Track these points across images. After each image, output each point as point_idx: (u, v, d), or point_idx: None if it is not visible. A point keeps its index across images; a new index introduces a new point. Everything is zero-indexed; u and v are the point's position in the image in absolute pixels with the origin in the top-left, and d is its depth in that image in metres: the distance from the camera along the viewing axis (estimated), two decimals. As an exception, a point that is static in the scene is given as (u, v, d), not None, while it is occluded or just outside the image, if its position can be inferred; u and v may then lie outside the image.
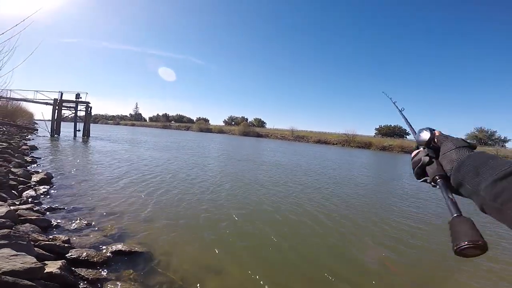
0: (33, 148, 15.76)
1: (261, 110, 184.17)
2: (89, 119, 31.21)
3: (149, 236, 4.80)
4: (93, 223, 5.08)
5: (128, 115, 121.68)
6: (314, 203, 8.06)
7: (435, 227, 6.87)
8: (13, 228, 3.80)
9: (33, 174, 8.45)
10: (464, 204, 0.69)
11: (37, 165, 10.82)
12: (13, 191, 6.13)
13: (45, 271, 2.76)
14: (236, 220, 6.11)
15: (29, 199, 5.83)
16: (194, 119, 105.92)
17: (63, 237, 4.10)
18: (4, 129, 21.83)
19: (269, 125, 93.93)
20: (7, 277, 2.36)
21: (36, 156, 12.70)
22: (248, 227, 5.80)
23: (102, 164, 12.48)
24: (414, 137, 0.91)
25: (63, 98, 27.72)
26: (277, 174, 13.13)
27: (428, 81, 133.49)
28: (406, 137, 71.10)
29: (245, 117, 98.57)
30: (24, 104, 32.50)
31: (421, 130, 0.86)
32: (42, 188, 6.96)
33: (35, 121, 43.42)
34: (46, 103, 27.39)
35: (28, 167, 9.77)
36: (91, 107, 30.36)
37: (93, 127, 36.25)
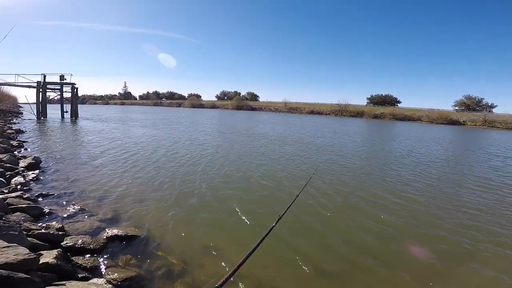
0: (19, 131, 15.26)
1: (254, 84, 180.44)
2: (76, 100, 30.34)
3: (144, 219, 4.78)
4: (86, 208, 5.01)
5: (117, 94, 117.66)
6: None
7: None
8: (3, 218, 3.71)
9: (20, 159, 8.20)
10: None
11: (24, 149, 10.51)
12: (1, 179, 5.93)
13: (40, 262, 2.71)
14: (231, 199, 6.11)
15: (18, 186, 5.68)
16: (186, 95, 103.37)
17: (56, 224, 4.02)
18: (-14, 113, 20.91)
19: (262, 98, 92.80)
20: (1, 271, 2.28)
21: (23, 140, 12.32)
22: (245, 205, 5.81)
23: (92, 145, 12.22)
24: None
25: (46, 80, 26.70)
26: (272, 148, 13.10)
27: (419, 49, 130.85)
28: (397, 105, 71.83)
29: (238, 92, 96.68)
30: (6, 88, 31.20)
31: None
32: (31, 174, 6.78)
33: (20, 105, 41.82)
34: (30, 86, 26.39)
35: (15, 152, 9.48)
36: (77, 88, 29.37)
37: (81, 107, 35.19)
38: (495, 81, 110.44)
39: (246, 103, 79.88)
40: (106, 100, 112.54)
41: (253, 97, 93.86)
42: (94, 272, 3.09)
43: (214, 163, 9.42)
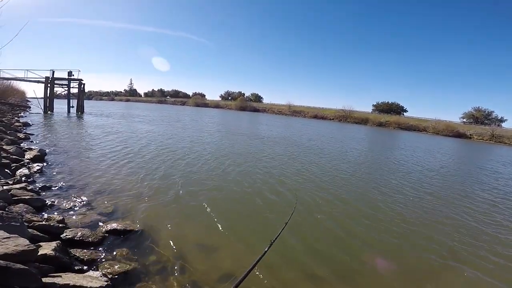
0: (26, 124, 15.51)
1: (258, 85, 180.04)
2: (83, 95, 30.79)
3: (143, 214, 4.86)
4: (87, 201, 5.11)
5: (123, 91, 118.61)
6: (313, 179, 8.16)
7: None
8: (6, 209, 3.79)
9: (26, 151, 8.35)
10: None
11: (30, 141, 10.69)
12: (6, 170, 6.06)
13: (39, 253, 2.77)
14: (231, 197, 6.20)
15: (23, 178, 5.79)
16: (190, 94, 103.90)
17: (57, 216, 4.11)
18: (-5, 106, 21.28)
19: (266, 100, 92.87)
20: (-1, 261, 2.35)
21: (30, 133, 12.52)
22: (244, 203, 5.89)
23: (96, 140, 12.38)
24: None
25: (55, 76, 27.25)
26: (273, 150, 13.14)
27: (429, 58, 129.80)
28: (403, 114, 71.25)
29: (242, 92, 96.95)
30: (15, 83, 31.96)
31: None
32: (36, 166, 6.91)
33: (28, 99, 42.52)
34: (38, 81, 26.96)
35: (21, 144, 9.65)
36: (84, 84, 29.82)
37: (87, 103, 35.61)
38: (506, 94, 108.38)
39: (250, 104, 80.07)
40: (111, 96, 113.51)
41: (257, 98, 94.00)
42: (91, 264, 3.15)
43: (214, 161, 9.49)
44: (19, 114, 21.67)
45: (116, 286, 2.84)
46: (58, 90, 29.64)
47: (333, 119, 61.85)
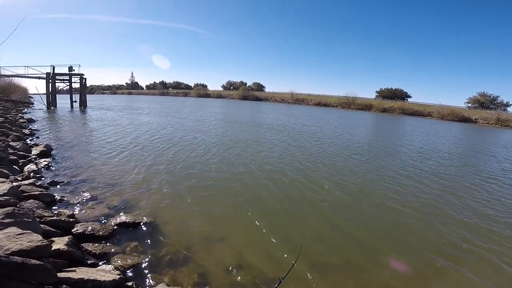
0: (31, 121, 15.60)
1: (261, 74, 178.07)
2: (85, 90, 30.87)
3: (152, 206, 4.93)
4: (95, 195, 5.19)
5: (125, 84, 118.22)
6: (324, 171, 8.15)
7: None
8: (17, 205, 3.86)
9: (32, 147, 8.44)
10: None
11: (36, 137, 10.79)
12: (14, 166, 6.15)
13: (52, 249, 2.83)
14: (238, 187, 6.24)
15: (31, 174, 5.87)
16: (192, 85, 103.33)
17: (67, 211, 4.19)
18: (-1, 103, 21.38)
19: (268, 89, 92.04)
20: (15, 257, 2.40)
21: (34, 128, 12.64)
22: (251, 193, 5.93)
23: (101, 133, 12.47)
24: None
25: (55, 71, 27.21)
26: (277, 138, 13.11)
27: (430, 43, 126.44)
28: (407, 99, 70.31)
29: (244, 82, 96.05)
30: (16, 80, 32.01)
31: None
32: (43, 161, 6.99)
33: (30, 95, 42.63)
34: (39, 78, 26.96)
35: (27, 140, 9.75)
36: (85, 79, 29.80)
37: (89, 97, 35.61)
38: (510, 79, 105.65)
39: (252, 93, 79.38)
40: (113, 90, 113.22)
41: (259, 87, 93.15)
42: (103, 258, 3.22)
43: (220, 153, 9.49)
44: (23, 111, 21.79)
45: (128, 279, 2.90)
46: (60, 85, 29.68)
47: (336, 106, 61.28)
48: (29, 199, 4.34)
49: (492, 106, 57.97)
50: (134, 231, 4.02)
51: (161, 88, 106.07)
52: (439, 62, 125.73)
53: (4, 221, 3.10)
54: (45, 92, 27.06)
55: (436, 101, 64.30)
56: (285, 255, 3.70)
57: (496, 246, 4.38)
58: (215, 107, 39.32)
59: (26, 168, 6.26)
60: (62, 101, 28.54)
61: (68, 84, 29.11)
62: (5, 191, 4.09)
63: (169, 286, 2.85)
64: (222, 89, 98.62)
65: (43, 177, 5.97)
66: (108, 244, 3.56)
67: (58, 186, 5.53)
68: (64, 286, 2.38)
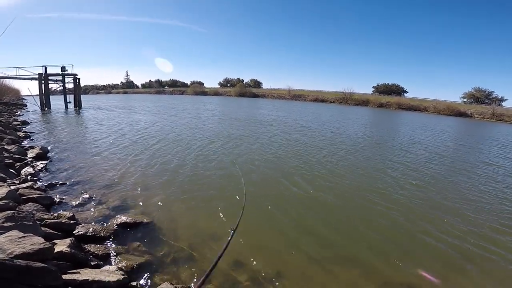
0: (25, 123, 15.41)
1: (258, 71, 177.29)
2: (79, 90, 30.43)
3: (152, 205, 4.93)
4: (94, 196, 5.16)
5: (120, 84, 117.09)
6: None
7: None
8: (17, 209, 3.83)
9: (28, 150, 8.34)
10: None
11: (31, 139, 10.67)
12: (11, 170, 6.09)
13: (55, 251, 2.83)
14: (238, 184, 6.22)
15: (28, 177, 5.82)
16: (189, 83, 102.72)
17: (67, 213, 4.16)
18: (-9, 106, 21.09)
19: (265, 86, 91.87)
20: (19, 261, 2.39)
21: (29, 131, 12.47)
22: (251, 191, 5.91)
23: (97, 133, 12.38)
24: None
25: (48, 72, 26.78)
26: (273, 134, 13.13)
27: (427, 39, 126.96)
28: (403, 95, 70.76)
29: (241, 79, 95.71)
30: (7, 82, 31.45)
31: None
32: (40, 164, 6.92)
33: (23, 97, 42.07)
34: (31, 79, 26.48)
35: (22, 143, 9.63)
36: (79, 79, 29.34)
37: (84, 97, 35.21)
38: (506, 74, 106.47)
39: (249, 90, 79.23)
40: (108, 89, 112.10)
41: (256, 84, 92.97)
42: (106, 259, 3.22)
43: (223, 151, 9.48)
44: (16, 113, 21.50)
45: (132, 279, 2.91)
46: (53, 86, 29.26)
47: (333, 101, 61.44)
48: (28, 202, 4.31)
49: (487, 101, 58.68)
50: (135, 231, 4.02)
51: (157, 87, 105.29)
52: (435, 57, 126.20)
53: (5, 225, 3.09)
54: (38, 93, 26.69)
55: (433, 96, 64.85)
56: (287, 251, 3.73)
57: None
58: (212, 104, 39.29)
59: (23, 171, 6.20)
60: (56, 102, 28.20)
61: (61, 84, 28.73)
62: (3, 195, 4.07)
63: (173, 284, 2.86)
64: (219, 86, 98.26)
65: (40, 179, 5.92)
66: (110, 244, 3.56)
67: (57, 188, 5.49)
68: (69, 288, 2.38)
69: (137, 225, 4.16)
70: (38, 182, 5.70)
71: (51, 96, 27.44)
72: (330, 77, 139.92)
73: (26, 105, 29.61)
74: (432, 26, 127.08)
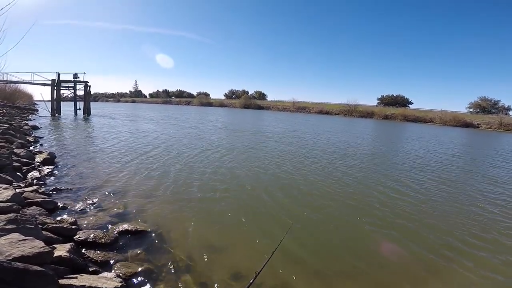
0: (35, 127, 15.76)
1: (262, 83, 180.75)
2: (89, 97, 31.23)
3: (154, 214, 4.89)
4: (98, 202, 5.17)
5: (128, 92, 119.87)
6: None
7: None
8: (20, 212, 3.85)
9: (36, 154, 8.48)
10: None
11: (39, 144, 10.87)
12: (18, 173, 6.17)
13: (54, 255, 2.81)
14: (240, 195, 6.19)
15: (34, 181, 5.89)
16: (195, 93, 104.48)
17: (70, 218, 4.17)
18: (4, 110, 21.68)
19: (270, 97, 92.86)
20: (17, 263, 2.39)
21: (38, 136, 12.73)
22: (252, 202, 5.87)
23: (104, 141, 12.54)
24: None
25: (60, 78, 27.62)
26: (276, 147, 13.10)
27: (432, 49, 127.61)
28: (408, 106, 70.40)
29: (246, 90, 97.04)
30: (22, 86, 32.59)
31: None
32: (46, 169, 7.01)
33: (35, 102, 43.22)
34: (44, 84, 27.40)
35: (31, 147, 9.81)
36: (89, 86, 30.20)
37: (93, 105, 36.11)
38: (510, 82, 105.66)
39: (254, 101, 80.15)
40: (117, 98, 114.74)
41: (261, 95, 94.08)
42: (105, 266, 3.18)
43: (224, 161, 9.49)
44: (28, 117, 22.05)
45: (130, 287, 2.86)
46: (65, 92, 30.08)
47: (338, 113, 61.46)
48: (32, 206, 4.33)
49: (493, 111, 57.98)
50: (136, 239, 3.98)
51: (164, 97, 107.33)
52: (439, 67, 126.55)
53: (7, 227, 3.10)
54: (50, 99, 27.42)
55: (438, 107, 64.39)
56: (287, 264, 3.64)
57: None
58: (219, 116, 39.59)
59: (29, 175, 6.29)
60: (67, 108, 28.91)
61: (72, 91, 29.50)
62: (8, 197, 4.10)
63: (171, 294, 2.80)
64: (224, 97, 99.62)
65: (46, 184, 5.98)
66: (110, 251, 3.52)
67: (61, 194, 5.52)
68: (66, 293, 2.35)
69: (138, 232, 4.12)
70: (44, 186, 5.75)
71: (62, 102, 28.17)
72: (335, 88, 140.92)
73: (38, 110, 30.34)
74: (438, 36, 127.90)
